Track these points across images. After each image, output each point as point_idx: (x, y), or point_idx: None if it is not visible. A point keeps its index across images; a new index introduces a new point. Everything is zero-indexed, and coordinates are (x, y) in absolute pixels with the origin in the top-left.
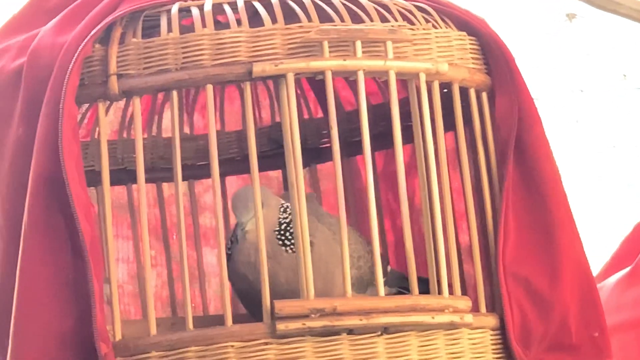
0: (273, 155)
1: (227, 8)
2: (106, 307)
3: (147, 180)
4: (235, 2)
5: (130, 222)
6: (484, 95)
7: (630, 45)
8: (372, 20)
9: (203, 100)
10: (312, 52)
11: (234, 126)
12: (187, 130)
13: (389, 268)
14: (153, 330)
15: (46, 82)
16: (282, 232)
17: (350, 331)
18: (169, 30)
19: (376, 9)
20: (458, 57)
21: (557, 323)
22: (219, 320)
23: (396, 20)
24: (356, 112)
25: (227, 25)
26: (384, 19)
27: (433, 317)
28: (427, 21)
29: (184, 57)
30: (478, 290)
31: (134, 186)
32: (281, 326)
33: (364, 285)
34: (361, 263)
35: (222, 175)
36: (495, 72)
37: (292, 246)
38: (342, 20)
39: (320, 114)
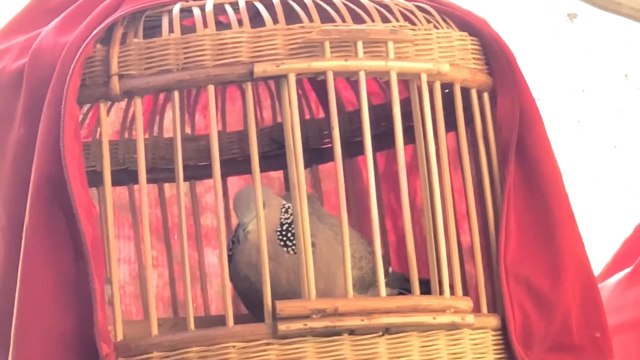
0: (274, 155)
1: (228, 8)
2: (108, 307)
3: (149, 181)
4: (237, 3)
5: (131, 223)
6: (486, 96)
7: (631, 46)
8: (373, 21)
9: (204, 100)
10: (313, 52)
11: (235, 126)
12: (188, 130)
13: (390, 269)
14: (154, 330)
15: (48, 83)
16: (283, 233)
17: (352, 332)
18: (171, 30)
19: (377, 9)
20: (459, 58)
21: (559, 323)
22: (221, 320)
23: (397, 20)
24: (357, 113)
25: (228, 26)
26: (385, 19)
27: (434, 318)
28: (429, 21)
29: (186, 58)
30: (479, 291)
31: (136, 186)
32: (282, 327)
33: (366, 285)
34: (363, 263)
35: (224, 176)
36: (497, 72)
37: (293, 247)
38: (344, 20)
39: (321, 114)
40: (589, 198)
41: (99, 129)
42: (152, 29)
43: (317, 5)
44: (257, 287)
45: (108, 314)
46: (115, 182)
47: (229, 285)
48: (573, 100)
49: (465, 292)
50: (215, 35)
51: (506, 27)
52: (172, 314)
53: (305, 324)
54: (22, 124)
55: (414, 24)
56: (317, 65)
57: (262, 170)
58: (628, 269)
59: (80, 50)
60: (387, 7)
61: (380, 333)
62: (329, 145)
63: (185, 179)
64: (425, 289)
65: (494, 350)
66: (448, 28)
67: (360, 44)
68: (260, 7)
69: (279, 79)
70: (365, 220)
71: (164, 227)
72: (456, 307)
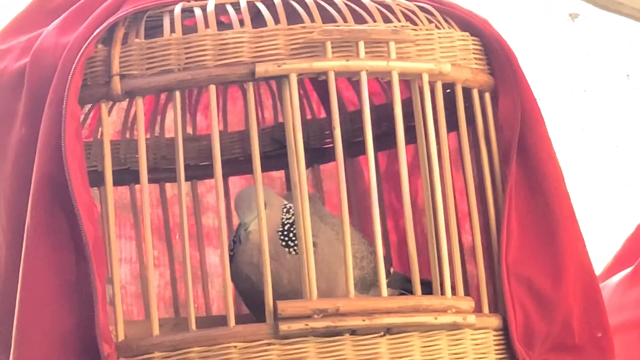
0: (276, 155)
1: (229, 8)
2: (109, 307)
3: (150, 181)
4: (238, 3)
5: (133, 223)
6: (487, 96)
7: (633, 45)
8: (374, 21)
9: (206, 100)
10: (315, 52)
11: (236, 126)
12: (189, 130)
13: (391, 270)
14: (156, 330)
15: (49, 83)
16: (285, 233)
17: (353, 332)
18: (172, 30)
19: (379, 10)
20: (461, 58)
21: (560, 323)
22: (222, 320)
23: (399, 20)
24: (359, 113)
25: (229, 26)
26: (386, 20)
27: (436, 318)
28: (430, 22)
29: (187, 58)
30: (481, 291)
31: (137, 186)
32: (284, 327)
33: (367, 285)
34: (364, 263)
35: (225, 176)
36: (498, 72)
37: (295, 247)
38: (345, 20)
39: (323, 114)
40: (591, 198)
41: (100, 129)
42: (154, 29)
43: (319, 5)
44: (258, 287)
45: (109, 314)
46: (116, 182)
47: (230, 285)
48: (574, 100)
49: (467, 292)
50: (217, 35)
51: (507, 27)
52: (174, 314)
53: (306, 324)
54: (24, 124)
55: (415, 24)
56: (318, 65)
57: (264, 170)
58: (629, 269)
59: (82, 50)
60: (388, 7)
61: (382, 333)
62: (331, 145)
63: (186, 179)
64: (427, 290)
65: (496, 350)
66: (449, 28)
67: (361, 44)
68: (261, 7)
69: (281, 79)
70: (367, 220)
71: (166, 227)
72: (457, 307)
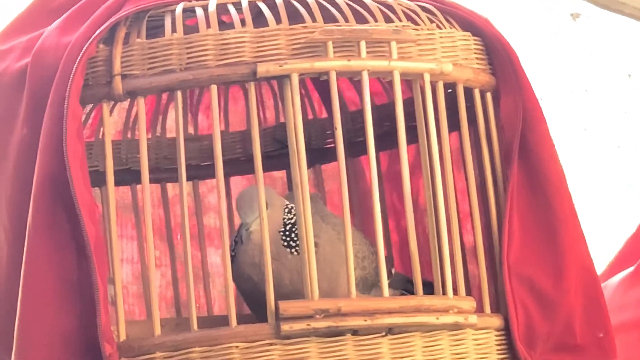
0: (277, 155)
1: (231, 8)
2: (110, 307)
3: (152, 181)
4: (240, 3)
5: (134, 223)
6: (489, 96)
7: (634, 45)
8: (376, 21)
9: (207, 100)
10: (316, 52)
11: (238, 126)
12: (191, 130)
13: (393, 270)
14: (157, 330)
15: (50, 83)
16: (286, 233)
17: (355, 332)
18: (173, 30)
19: (380, 10)
20: (462, 58)
21: (562, 323)
22: (224, 320)
23: (400, 20)
24: (360, 113)
25: (231, 26)
26: (388, 20)
27: (437, 318)
28: (432, 21)
29: (188, 58)
30: (482, 291)
31: (138, 186)
32: (286, 327)
33: (369, 286)
34: (366, 263)
35: (227, 176)
36: (500, 72)
37: (296, 247)
38: (347, 20)
39: (324, 114)
40: (592, 198)
41: (101, 129)
42: (155, 29)
43: (320, 5)
44: (260, 287)
45: (111, 314)
46: (118, 182)
47: (231, 285)
48: (576, 100)
49: (468, 292)
50: (218, 35)
51: (509, 26)
52: (175, 314)
53: (308, 324)
54: (25, 124)
55: (417, 24)
56: (320, 65)
57: (265, 170)
58: (630, 269)
59: (83, 50)
60: (390, 7)
61: (383, 333)
62: (332, 145)
63: (188, 179)
64: (428, 291)
65: (497, 350)
66: (451, 28)
67: (363, 44)
68: (263, 7)
69: (282, 79)
70: (368, 220)
71: (167, 227)
72: (459, 307)
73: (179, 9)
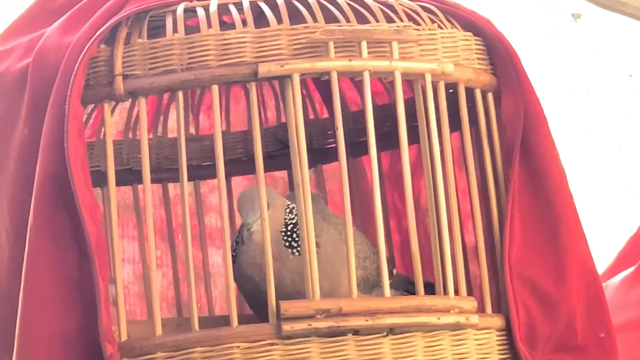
0: (279, 155)
1: (232, 8)
2: (112, 307)
3: (153, 181)
4: (241, 3)
5: (135, 223)
6: (490, 96)
7: (635, 45)
8: (377, 21)
9: (208, 100)
10: (317, 52)
11: (239, 126)
12: (192, 130)
13: (394, 271)
14: (159, 330)
15: (52, 83)
16: (288, 233)
17: (356, 332)
18: (175, 30)
19: (382, 10)
20: (464, 58)
21: (563, 323)
22: (225, 320)
23: (402, 20)
24: (362, 113)
25: (232, 26)
26: (389, 20)
27: (439, 318)
28: (433, 21)
29: (190, 58)
30: (484, 291)
31: (140, 186)
32: (287, 327)
33: (370, 286)
34: (367, 264)
35: (228, 176)
36: (501, 72)
37: (298, 248)
38: (348, 20)
39: (325, 114)
40: (593, 198)
41: (103, 129)
42: (156, 29)
43: (321, 5)
44: (261, 288)
45: (112, 314)
46: (119, 182)
47: (233, 285)
48: (577, 100)
49: (470, 292)
50: (220, 35)
51: (510, 27)
52: (176, 314)
53: (309, 324)
54: (26, 124)
55: (418, 24)
56: (321, 65)
57: (266, 170)
58: (631, 268)
59: (85, 50)
60: (391, 7)
61: (385, 333)
62: (333, 145)
63: (189, 179)
64: (429, 292)
65: (499, 350)
66: (452, 28)
67: (364, 44)
68: (264, 7)
69: (283, 79)
70: (370, 221)
71: (168, 227)
72: (460, 308)
73: (180, 9)
